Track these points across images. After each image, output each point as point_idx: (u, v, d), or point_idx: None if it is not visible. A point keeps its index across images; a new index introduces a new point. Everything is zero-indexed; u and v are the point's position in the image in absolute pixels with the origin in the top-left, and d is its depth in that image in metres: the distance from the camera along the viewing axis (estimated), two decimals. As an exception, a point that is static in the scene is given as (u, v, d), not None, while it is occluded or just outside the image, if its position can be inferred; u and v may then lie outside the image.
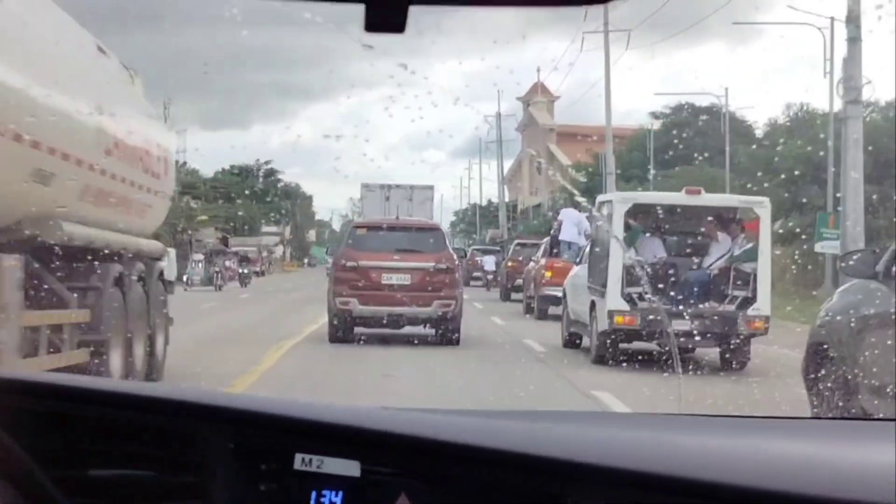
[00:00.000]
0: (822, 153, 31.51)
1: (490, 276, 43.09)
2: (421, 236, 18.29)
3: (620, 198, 15.16)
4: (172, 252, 44.96)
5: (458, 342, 17.51)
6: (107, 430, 1.77)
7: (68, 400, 1.79)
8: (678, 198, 15.18)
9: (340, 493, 1.69)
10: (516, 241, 36.91)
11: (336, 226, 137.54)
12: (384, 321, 17.44)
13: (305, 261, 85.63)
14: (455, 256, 18.58)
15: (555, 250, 25.93)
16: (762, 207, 14.81)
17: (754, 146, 40.83)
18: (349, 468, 1.68)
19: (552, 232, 27.03)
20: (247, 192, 64.25)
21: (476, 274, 45.33)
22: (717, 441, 1.78)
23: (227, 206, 57.53)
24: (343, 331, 17.36)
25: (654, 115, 53.87)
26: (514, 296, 32.08)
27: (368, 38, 1.26)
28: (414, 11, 1.20)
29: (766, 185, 30.78)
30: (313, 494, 1.69)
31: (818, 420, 4.22)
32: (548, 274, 24.85)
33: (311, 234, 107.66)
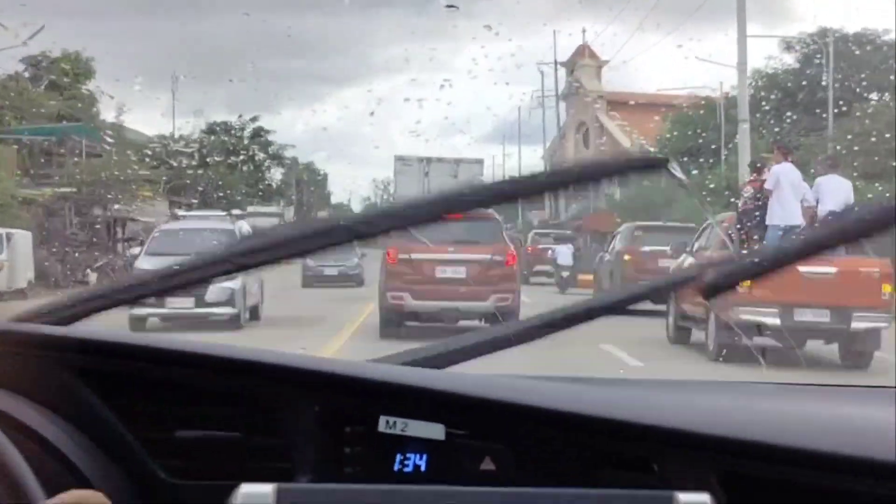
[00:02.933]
0: None
1: (566, 273, 30.83)
2: (476, 226, 17.03)
3: None
4: (25, 236, 28.58)
5: None
6: (193, 392, 1.72)
7: (156, 361, 1.72)
8: None
9: (425, 456, 1.65)
10: (637, 226, 24.36)
11: (356, 207, 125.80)
12: (438, 316, 16.82)
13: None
14: (512, 247, 17.90)
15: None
16: None
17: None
18: (434, 431, 1.64)
19: (741, 204, 15.02)
20: (209, 153, 48.97)
21: (540, 268, 33.30)
22: (798, 408, 1.82)
23: (195, 173, 43.27)
24: (395, 326, 16.82)
25: (788, 45, 40.87)
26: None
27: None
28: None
29: None
30: (398, 457, 1.65)
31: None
32: (744, 283, 13.03)
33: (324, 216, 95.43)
